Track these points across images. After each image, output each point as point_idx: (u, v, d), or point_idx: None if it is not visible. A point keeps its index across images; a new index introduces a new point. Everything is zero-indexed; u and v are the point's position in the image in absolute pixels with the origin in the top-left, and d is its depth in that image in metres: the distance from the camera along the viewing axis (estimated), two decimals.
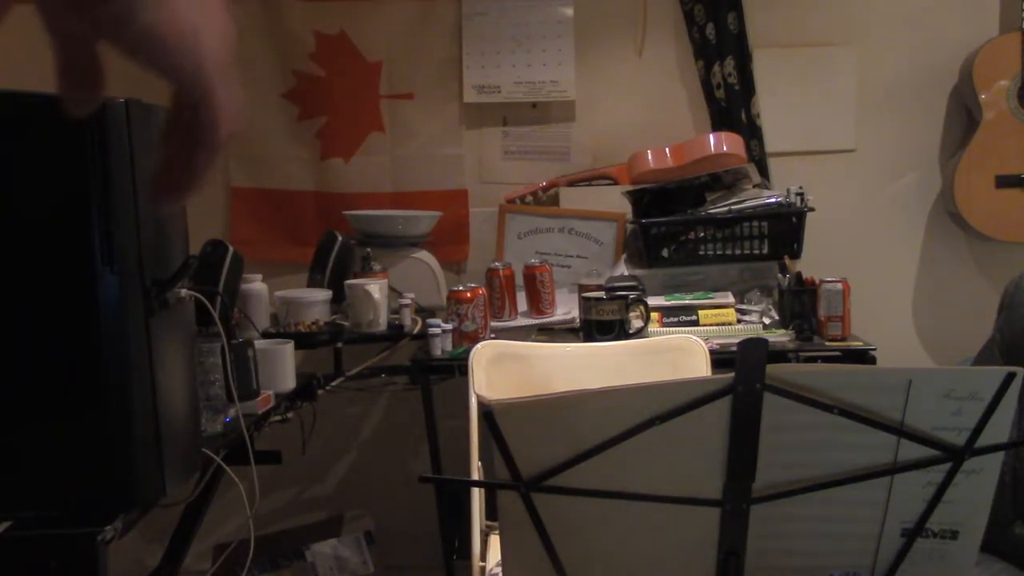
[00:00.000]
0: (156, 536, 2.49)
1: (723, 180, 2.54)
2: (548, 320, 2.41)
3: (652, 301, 2.27)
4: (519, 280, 2.44)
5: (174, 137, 0.50)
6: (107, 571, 1.32)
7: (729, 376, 0.91)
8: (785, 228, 2.44)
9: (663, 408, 0.91)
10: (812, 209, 2.43)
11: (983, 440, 0.94)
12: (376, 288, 2.30)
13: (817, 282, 2.21)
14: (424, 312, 2.47)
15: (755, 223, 2.45)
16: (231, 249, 2.10)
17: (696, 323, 2.28)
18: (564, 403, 0.96)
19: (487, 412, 0.92)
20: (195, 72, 0.48)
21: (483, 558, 1.71)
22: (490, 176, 2.90)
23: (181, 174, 0.50)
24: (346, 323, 2.37)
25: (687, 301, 2.32)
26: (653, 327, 2.25)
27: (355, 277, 2.43)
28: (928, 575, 1.01)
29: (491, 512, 1.68)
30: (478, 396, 1.75)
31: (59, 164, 1.31)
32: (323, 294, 2.36)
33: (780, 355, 2.08)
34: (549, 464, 0.94)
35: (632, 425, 0.92)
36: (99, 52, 0.47)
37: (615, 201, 2.66)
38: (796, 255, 2.45)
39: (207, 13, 0.48)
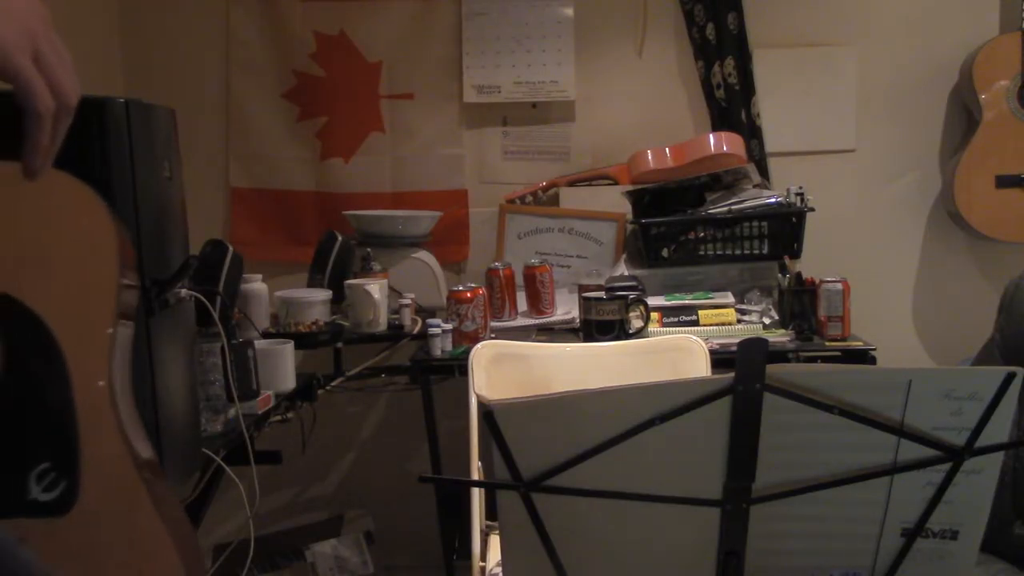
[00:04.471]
0: None
1: (723, 180, 2.54)
2: (548, 320, 2.41)
3: (652, 301, 2.27)
4: (519, 280, 2.45)
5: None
6: None
7: (729, 376, 0.91)
8: (785, 228, 2.44)
9: (663, 408, 0.91)
10: (812, 209, 2.43)
11: (983, 440, 0.94)
12: (376, 288, 2.30)
13: (817, 282, 2.21)
14: (424, 312, 2.47)
15: (755, 223, 2.45)
16: (231, 249, 2.10)
17: (696, 323, 2.28)
18: (564, 403, 0.96)
19: (487, 412, 0.92)
20: (3, 66, 0.58)
21: (483, 558, 1.71)
22: (490, 176, 2.90)
23: (26, 142, 0.61)
24: (346, 323, 2.37)
25: (687, 301, 2.32)
26: (653, 327, 2.25)
27: (355, 277, 2.43)
28: (928, 575, 1.01)
29: (491, 512, 1.68)
30: (478, 396, 1.75)
31: (59, 164, 1.31)
32: (323, 294, 2.36)
33: (780, 355, 2.08)
34: (549, 464, 0.94)
35: (632, 425, 0.92)
36: None
37: (615, 201, 2.66)
38: (796, 255, 2.45)
39: (8, 18, 0.58)
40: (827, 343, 2.15)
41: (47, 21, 0.64)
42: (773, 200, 2.47)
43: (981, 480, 0.97)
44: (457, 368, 2.12)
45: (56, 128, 0.66)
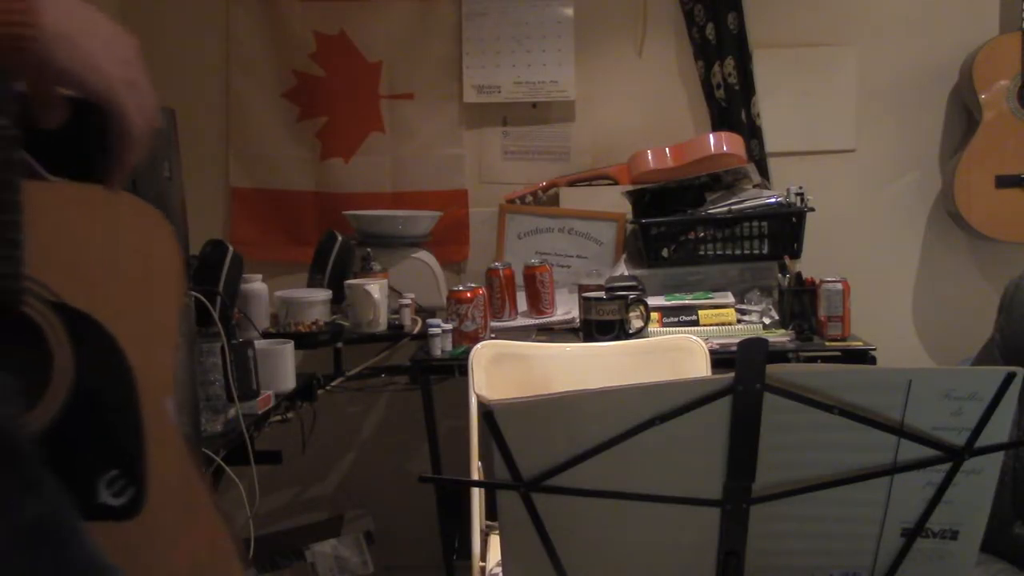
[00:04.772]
0: None
1: (723, 180, 2.54)
2: (548, 320, 2.41)
3: (652, 301, 2.27)
4: (519, 280, 2.44)
5: (100, 139, 0.72)
6: None
7: (729, 376, 0.91)
8: (785, 228, 2.44)
9: (663, 408, 0.91)
10: (812, 209, 2.43)
11: (983, 440, 0.94)
12: (376, 288, 2.30)
13: (817, 282, 2.21)
14: (424, 312, 2.47)
15: (755, 223, 2.45)
16: (231, 249, 2.10)
17: (696, 323, 2.28)
18: (564, 403, 0.96)
19: (487, 412, 0.92)
20: (100, 89, 0.68)
21: (483, 558, 1.71)
22: (490, 176, 2.90)
23: (114, 160, 0.73)
24: (346, 323, 2.37)
25: (687, 301, 2.32)
26: (653, 327, 2.25)
27: (355, 277, 2.43)
28: (928, 575, 1.01)
29: (491, 512, 1.68)
30: (478, 396, 1.75)
31: (59, 164, 1.31)
32: (323, 294, 2.36)
33: (780, 355, 2.08)
34: (549, 464, 0.94)
35: (632, 425, 0.92)
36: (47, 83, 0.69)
37: (615, 201, 2.66)
38: (796, 255, 2.45)
39: (108, 47, 0.69)
40: (827, 343, 2.15)
41: (138, 51, 0.74)
42: (773, 200, 2.47)
43: (981, 480, 0.97)
44: (457, 368, 2.12)
45: (141, 149, 0.74)
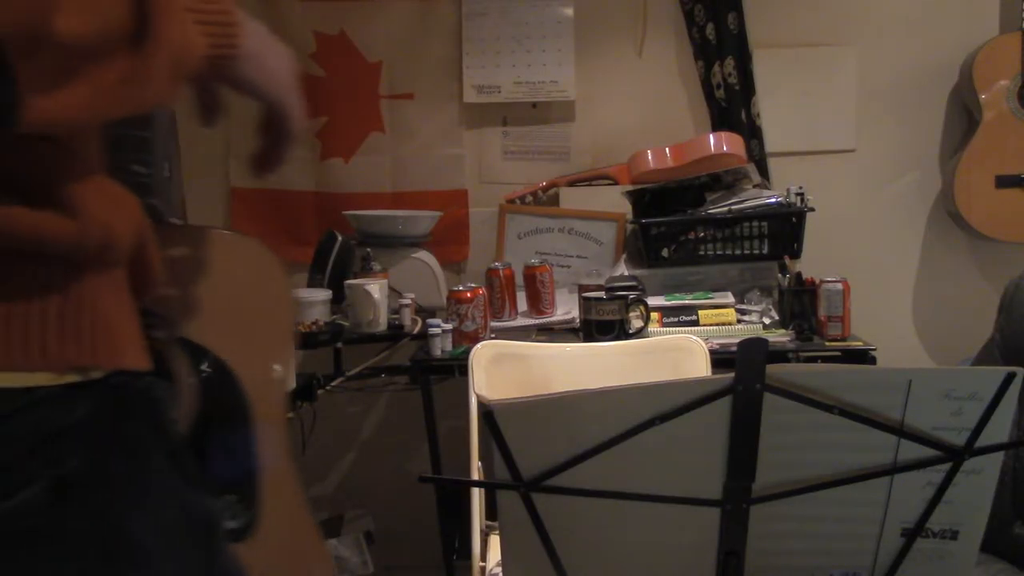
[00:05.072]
0: None
1: (723, 180, 2.54)
2: (548, 320, 2.41)
3: (652, 301, 2.27)
4: (519, 280, 2.44)
5: (267, 135, 0.88)
6: None
7: (729, 376, 0.91)
8: (785, 228, 2.44)
9: (663, 408, 0.91)
10: (812, 209, 2.43)
11: (983, 440, 0.94)
12: (376, 288, 2.30)
13: (817, 282, 2.21)
14: (424, 312, 2.47)
15: (755, 223, 2.45)
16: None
17: (696, 323, 2.28)
18: (564, 403, 0.96)
19: (487, 412, 0.92)
20: (278, 97, 0.83)
21: (483, 558, 1.71)
22: (490, 176, 2.90)
23: (274, 155, 0.89)
24: (346, 323, 2.37)
25: (687, 301, 2.32)
26: (653, 327, 2.25)
27: (355, 277, 2.43)
28: (928, 575, 1.01)
29: (491, 512, 1.68)
30: (478, 396, 1.75)
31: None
32: (323, 294, 2.36)
33: (780, 355, 2.08)
34: (549, 464, 0.94)
35: (632, 425, 0.92)
36: (218, 90, 0.85)
37: (615, 201, 2.66)
38: (796, 255, 2.45)
39: (281, 62, 0.83)
40: (827, 343, 2.15)
41: (295, 63, 0.87)
42: (773, 200, 2.47)
43: (981, 480, 0.97)
44: (457, 368, 2.12)
45: (294, 145, 0.89)
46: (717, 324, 2.27)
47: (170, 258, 1.21)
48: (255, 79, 0.80)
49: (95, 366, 0.64)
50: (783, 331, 2.23)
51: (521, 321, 2.42)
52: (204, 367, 1.23)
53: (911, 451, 0.95)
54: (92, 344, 0.64)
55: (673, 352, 1.87)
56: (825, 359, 2.12)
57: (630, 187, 2.57)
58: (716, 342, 2.09)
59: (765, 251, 2.45)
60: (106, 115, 0.62)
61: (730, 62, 2.74)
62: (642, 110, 2.85)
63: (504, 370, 1.80)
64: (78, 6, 0.55)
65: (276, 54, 0.83)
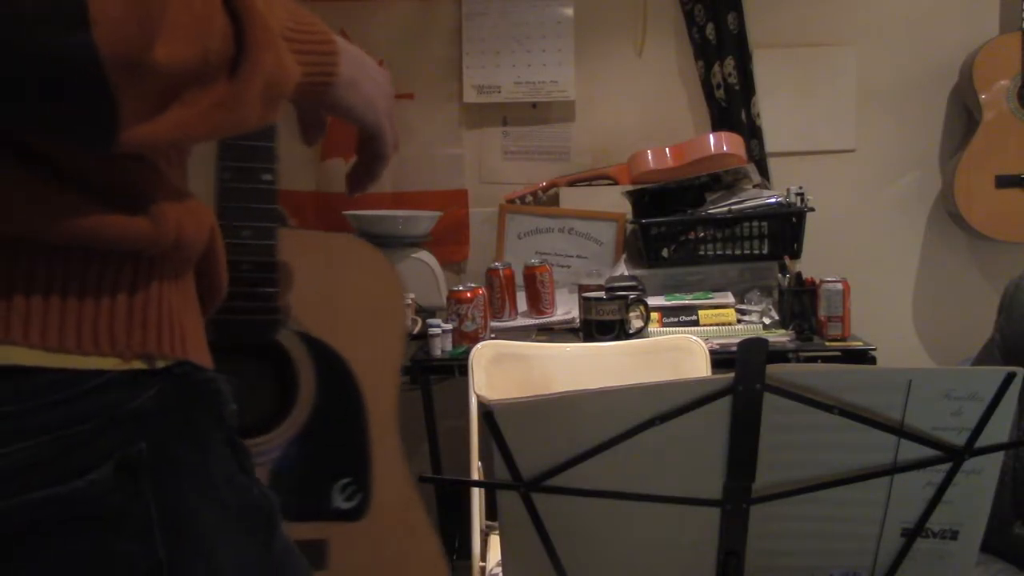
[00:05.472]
0: None
1: (723, 180, 2.54)
2: (548, 320, 2.41)
3: (652, 301, 2.27)
4: (519, 280, 2.44)
5: (363, 154, 0.92)
6: None
7: (729, 376, 0.91)
8: (785, 228, 2.44)
9: (663, 408, 0.91)
10: (812, 209, 2.43)
11: (983, 440, 0.94)
12: None
13: (817, 282, 2.21)
14: (424, 312, 2.46)
15: (755, 223, 2.45)
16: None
17: (696, 323, 2.28)
18: (564, 403, 0.96)
19: (487, 412, 0.92)
20: (374, 121, 0.88)
21: (483, 558, 1.71)
22: (490, 176, 2.90)
23: (368, 175, 0.92)
24: None
25: (687, 301, 2.32)
26: (653, 327, 2.25)
27: None
28: (928, 575, 1.01)
29: (491, 512, 1.68)
30: (478, 396, 1.75)
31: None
32: None
33: (780, 355, 2.08)
34: (549, 464, 0.94)
35: (632, 425, 0.92)
36: (322, 113, 0.91)
37: (615, 201, 2.66)
38: (796, 255, 2.45)
39: (378, 86, 0.87)
40: (827, 343, 2.15)
41: (391, 85, 0.90)
42: (773, 200, 2.47)
43: (981, 480, 0.97)
44: (457, 368, 2.12)
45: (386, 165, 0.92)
46: (717, 324, 2.27)
47: (291, 261, 1.35)
48: (351, 104, 0.85)
49: (160, 355, 0.66)
50: (783, 331, 2.23)
51: (521, 321, 2.42)
52: (322, 361, 1.35)
53: (911, 451, 0.95)
54: (158, 334, 0.66)
55: (673, 352, 1.87)
56: (825, 359, 2.12)
57: (630, 187, 2.57)
58: (716, 342, 2.09)
59: (765, 251, 2.45)
60: (197, 139, 0.63)
61: (730, 62, 2.74)
62: (642, 110, 2.85)
63: (504, 370, 1.80)
64: (178, 35, 0.56)
65: (372, 79, 0.86)
